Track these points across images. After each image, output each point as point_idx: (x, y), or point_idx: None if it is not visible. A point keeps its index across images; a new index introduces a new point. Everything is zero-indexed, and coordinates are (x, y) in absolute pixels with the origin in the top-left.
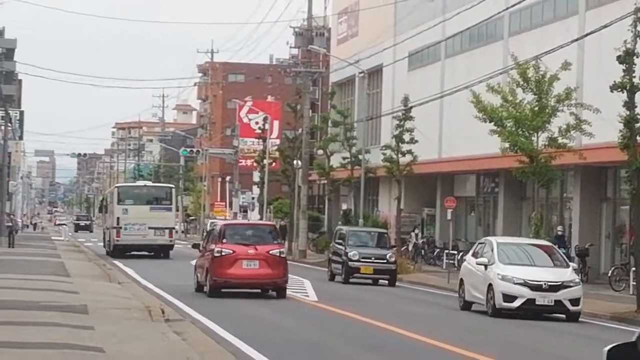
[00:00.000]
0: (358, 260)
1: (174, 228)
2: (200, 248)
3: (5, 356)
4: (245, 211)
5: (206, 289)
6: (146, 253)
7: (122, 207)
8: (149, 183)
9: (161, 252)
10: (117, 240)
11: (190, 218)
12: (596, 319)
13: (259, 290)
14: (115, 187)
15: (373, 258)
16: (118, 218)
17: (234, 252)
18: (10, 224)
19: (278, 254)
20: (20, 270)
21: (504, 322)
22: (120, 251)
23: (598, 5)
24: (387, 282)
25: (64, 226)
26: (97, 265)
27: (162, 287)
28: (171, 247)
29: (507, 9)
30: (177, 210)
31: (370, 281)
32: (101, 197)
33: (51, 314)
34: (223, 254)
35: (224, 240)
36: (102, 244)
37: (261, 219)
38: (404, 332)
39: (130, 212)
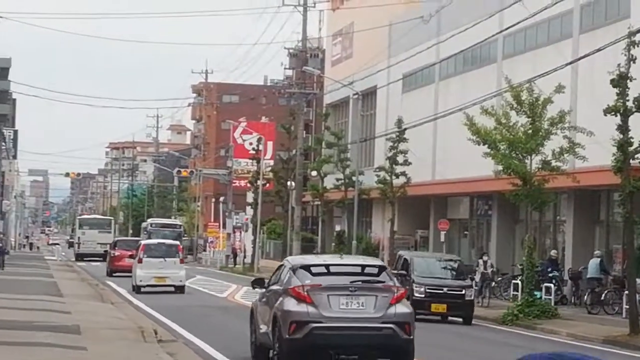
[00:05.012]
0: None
1: (111, 243)
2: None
3: None
4: (240, 232)
5: (109, 271)
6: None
7: (81, 231)
8: (98, 216)
9: (105, 257)
10: (79, 250)
11: (184, 238)
12: (588, 341)
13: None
14: (78, 218)
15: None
16: (79, 237)
17: (121, 254)
18: (0, 244)
19: None
20: (13, 290)
21: None
22: (81, 256)
23: (592, 29)
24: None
25: (57, 246)
26: (90, 285)
27: (153, 306)
28: None
29: (501, 31)
30: None
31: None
32: (72, 224)
33: (44, 334)
34: (116, 254)
35: (116, 247)
36: (95, 265)
37: (255, 240)
38: None
39: (87, 234)
